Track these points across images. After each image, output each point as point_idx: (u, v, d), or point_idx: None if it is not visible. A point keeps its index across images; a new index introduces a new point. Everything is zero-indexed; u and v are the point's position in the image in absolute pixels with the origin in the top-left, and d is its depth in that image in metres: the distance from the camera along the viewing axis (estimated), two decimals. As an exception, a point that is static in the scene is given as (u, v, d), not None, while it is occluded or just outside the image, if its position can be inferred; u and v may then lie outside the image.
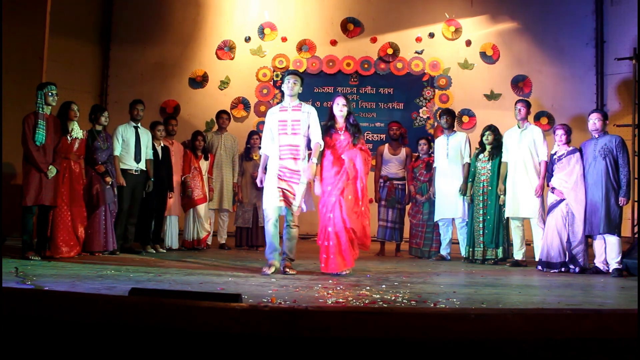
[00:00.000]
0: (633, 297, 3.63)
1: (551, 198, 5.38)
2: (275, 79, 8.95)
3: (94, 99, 8.70)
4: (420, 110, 8.84)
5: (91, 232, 5.51)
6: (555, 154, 5.44)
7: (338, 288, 3.81)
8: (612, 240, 5.01)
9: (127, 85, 8.82)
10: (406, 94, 8.89)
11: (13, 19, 6.37)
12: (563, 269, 5.19)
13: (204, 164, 6.70)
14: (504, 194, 5.77)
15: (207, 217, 6.72)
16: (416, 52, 8.90)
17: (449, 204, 6.18)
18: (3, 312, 2.19)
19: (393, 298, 3.38)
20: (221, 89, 9.03)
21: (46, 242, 5.16)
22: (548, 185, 5.48)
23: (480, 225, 5.88)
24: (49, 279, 3.81)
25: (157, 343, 2.14)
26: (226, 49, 9.06)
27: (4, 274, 3.69)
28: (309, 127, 4.67)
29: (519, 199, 5.70)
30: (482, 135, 6.09)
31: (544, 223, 5.52)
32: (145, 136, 6.10)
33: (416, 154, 6.70)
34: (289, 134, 4.65)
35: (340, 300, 3.31)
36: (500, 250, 5.80)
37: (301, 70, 8.70)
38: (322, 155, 4.75)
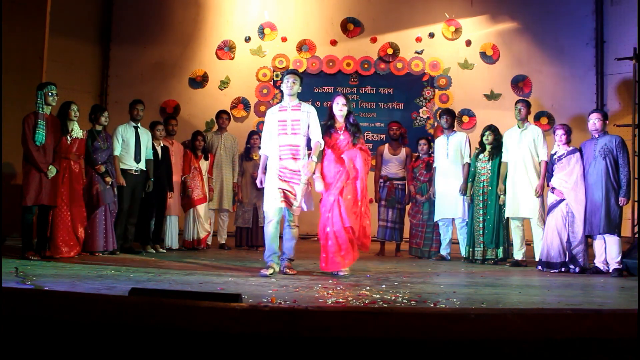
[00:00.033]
0: (633, 297, 3.63)
1: (551, 198, 5.38)
2: (275, 79, 8.95)
3: (94, 99, 8.70)
4: (420, 110, 8.84)
5: (91, 232, 5.51)
6: (555, 154, 5.44)
7: (338, 288, 3.81)
8: (612, 240, 5.01)
9: (127, 85, 8.82)
10: (406, 94, 8.89)
11: (13, 19, 6.38)
12: (563, 269, 5.19)
13: (204, 164, 6.70)
14: (504, 194, 5.77)
15: (207, 217, 6.72)
16: (416, 52, 8.90)
17: (449, 204, 6.18)
18: (3, 312, 2.19)
19: (393, 298, 3.38)
20: (221, 89, 9.03)
21: (46, 242, 5.16)
22: (548, 185, 5.48)
23: (480, 225, 5.88)
24: (49, 279, 3.81)
25: (157, 343, 2.14)
26: (226, 49, 9.06)
27: (4, 274, 3.69)
28: (308, 127, 4.65)
29: (519, 199, 5.71)
30: (482, 135, 6.09)
31: (544, 223, 5.52)
32: (145, 136, 6.10)
33: (416, 154, 6.70)
34: (289, 133, 4.63)
35: (340, 300, 3.31)
36: (500, 250, 5.80)
37: (301, 70, 8.69)
38: (322, 154, 4.73)
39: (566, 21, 8.72)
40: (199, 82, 9.04)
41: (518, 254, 5.79)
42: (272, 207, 4.58)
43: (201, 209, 6.57)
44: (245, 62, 9.05)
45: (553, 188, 5.36)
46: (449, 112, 6.51)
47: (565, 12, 8.73)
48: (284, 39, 9.04)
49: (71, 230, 5.27)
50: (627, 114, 8.08)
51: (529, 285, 4.39)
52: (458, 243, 6.43)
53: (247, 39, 9.06)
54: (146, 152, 6.08)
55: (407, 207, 6.64)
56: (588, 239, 5.31)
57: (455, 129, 6.55)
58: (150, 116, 7.25)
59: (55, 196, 5.12)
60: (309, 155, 4.64)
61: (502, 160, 5.88)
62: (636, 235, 7.14)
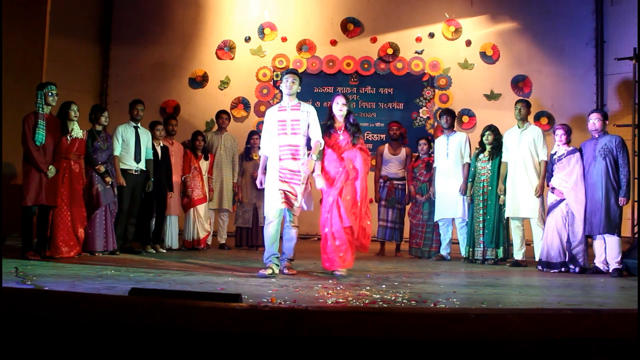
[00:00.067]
0: (633, 297, 3.63)
1: (551, 198, 5.38)
2: (275, 79, 8.95)
3: (94, 99, 8.71)
4: (420, 110, 8.84)
5: (91, 232, 5.51)
6: (555, 154, 5.44)
7: (338, 288, 3.81)
8: (612, 240, 5.01)
9: (127, 85, 8.82)
10: (406, 94, 8.89)
11: (13, 19, 6.38)
12: (563, 269, 5.19)
13: (204, 164, 6.70)
14: (504, 194, 5.78)
15: (207, 217, 6.72)
16: (416, 52, 8.90)
17: (449, 204, 6.19)
18: (3, 312, 2.19)
19: (393, 298, 3.38)
20: (221, 89, 9.03)
21: (46, 242, 5.16)
22: (548, 185, 5.49)
23: (480, 225, 5.88)
24: (49, 279, 3.81)
25: (157, 343, 2.14)
26: (226, 49, 9.06)
27: (4, 274, 3.69)
28: (308, 127, 4.64)
29: (519, 199, 5.71)
30: (482, 135, 6.09)
31: (544, 223, 5.52)
32: (145, 136, 6.10)
33: (416, 154, 6.70)
34: (289, 133, 4.61)
35: (340, 300, 3.31)
36: (500, 250, 5.80)
37: (301, 70, 8.68)
38: (322, 153, 4.72)
39: (566, 21, 8.72)
40: (199, 82, 9.04)
41: (518, 254, 5.79)
42: (272, 208, 4.56)
43: (201, 209, 6.57)
44: (245, 62, 9.05)
45: (553, 188, 5.36)
46: (449, 112, 6.51)
47: (565, 12, 8.73)
48: (284, 39, 9.04)
49: (71, 230, 5.27)
50: (627, 114, 8.08)
51: (529, 285, 4.39)
52: (458, 243, 6.43)
53: (247, 39, 9.06)
54: (146, 152, 6.08)
55: (407, 207, 6.64)
56: (588, 239, 5.31)
57: (455, 129, 6.55)
58: (150, 116, 7.25)
59: (55, 196, 5.12)
60: (308, 155, 4.64)
61: (502, 160, 5.88)
62: (636, 235, 7.14)
